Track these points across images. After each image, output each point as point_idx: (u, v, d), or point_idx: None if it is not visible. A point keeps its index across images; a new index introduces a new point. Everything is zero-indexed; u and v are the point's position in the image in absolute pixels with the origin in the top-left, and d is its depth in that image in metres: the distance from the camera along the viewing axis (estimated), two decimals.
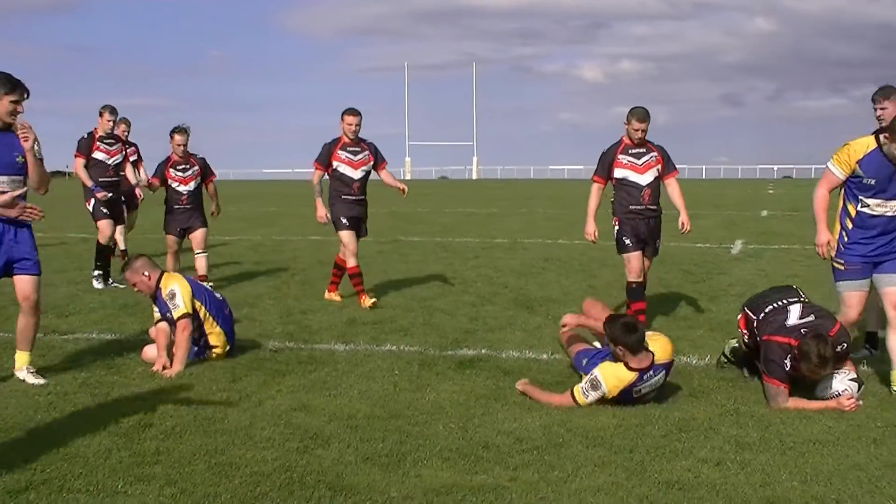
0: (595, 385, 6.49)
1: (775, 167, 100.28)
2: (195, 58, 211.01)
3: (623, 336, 6.52)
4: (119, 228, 13.25)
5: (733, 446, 5.67)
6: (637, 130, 9.05)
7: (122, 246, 13.99)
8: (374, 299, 10.85)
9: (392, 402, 6.68)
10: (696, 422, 6.16)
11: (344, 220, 10.80)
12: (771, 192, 49.54)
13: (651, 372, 6.52)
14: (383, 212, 28.04)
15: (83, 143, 12.52)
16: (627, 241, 9.10)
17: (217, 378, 7.30)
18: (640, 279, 9.20)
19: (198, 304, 7.89)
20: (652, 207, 9.15)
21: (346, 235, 10.83)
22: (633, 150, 9.11)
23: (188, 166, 11.95)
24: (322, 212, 10.74)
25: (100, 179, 12.43)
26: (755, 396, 6.77)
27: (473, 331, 9.24)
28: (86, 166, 12.48)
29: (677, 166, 9.50)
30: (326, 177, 10.96)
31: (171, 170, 11.88)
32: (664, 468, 5.27)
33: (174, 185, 11.94)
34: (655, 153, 9.19)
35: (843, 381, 6.63)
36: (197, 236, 12.02)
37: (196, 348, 7.86)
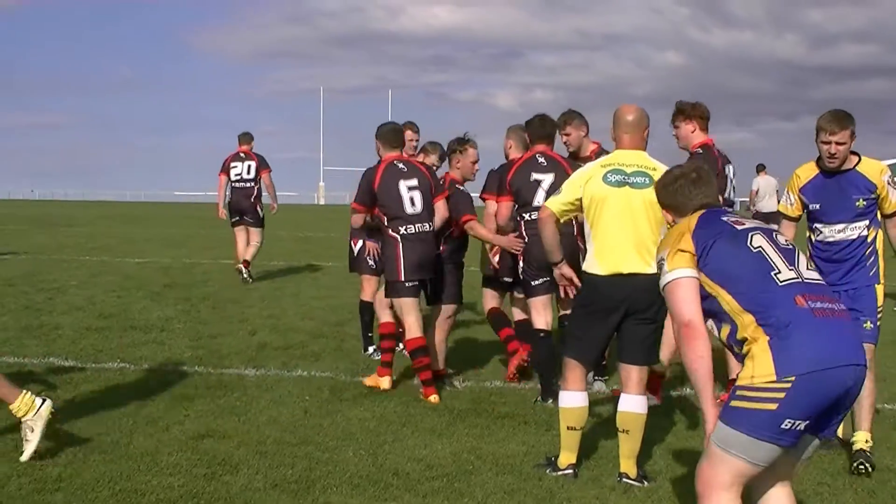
0: None
1: None
2: (103, 74, 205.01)
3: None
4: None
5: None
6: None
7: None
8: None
9: (302, 427, 6.63)
10: (604, 450, 6.23)
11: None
12: None
13: None
14: (296, 236, 27.90)
15: None
16: None
17: (122, 402, 7.15)
18: None
19: None
20: None
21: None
22: None
23: None
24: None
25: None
26: (662, 427, 6.88)
27: None
28: None
29: None
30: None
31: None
32: (573, 496, 5.32)
33: None
34: None
35: None
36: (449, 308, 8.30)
37: None
